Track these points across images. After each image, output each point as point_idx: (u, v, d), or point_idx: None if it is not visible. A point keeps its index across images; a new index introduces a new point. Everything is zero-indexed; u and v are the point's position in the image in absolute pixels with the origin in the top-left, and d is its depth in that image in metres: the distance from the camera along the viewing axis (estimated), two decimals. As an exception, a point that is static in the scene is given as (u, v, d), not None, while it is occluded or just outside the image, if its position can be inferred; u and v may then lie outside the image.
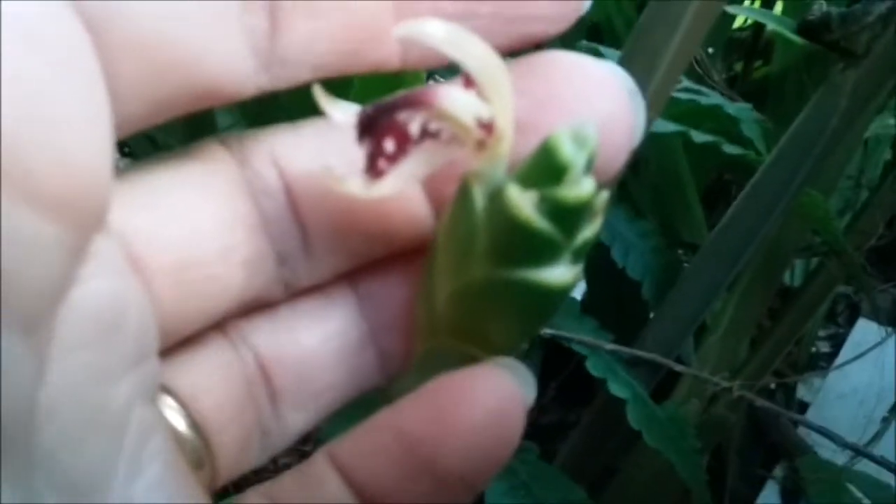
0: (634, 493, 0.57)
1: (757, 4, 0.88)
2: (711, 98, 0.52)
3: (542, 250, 0.15)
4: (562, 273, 0.16)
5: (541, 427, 0.77)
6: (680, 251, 0.60)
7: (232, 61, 0.16)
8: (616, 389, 0.48)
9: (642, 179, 0.65)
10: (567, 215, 0.15)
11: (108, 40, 0.14)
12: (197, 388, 0.18)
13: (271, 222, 0.18)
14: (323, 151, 0.18)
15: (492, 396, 0.16)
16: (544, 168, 0.15)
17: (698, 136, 0.50)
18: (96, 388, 0.14)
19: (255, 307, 0.18)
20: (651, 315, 0.55)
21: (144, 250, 0.16)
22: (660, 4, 0.40)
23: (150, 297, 0.16)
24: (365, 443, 0.17)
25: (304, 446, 0.71)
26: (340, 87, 0.17)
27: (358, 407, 0.20)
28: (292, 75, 0.17)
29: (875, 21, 0.41)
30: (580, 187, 0.15)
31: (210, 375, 0.18)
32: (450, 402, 0.16)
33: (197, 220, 0.17)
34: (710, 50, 0.81)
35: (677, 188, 0.64)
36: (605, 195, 0.15)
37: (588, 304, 0.66)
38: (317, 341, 0.19)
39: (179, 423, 0.18)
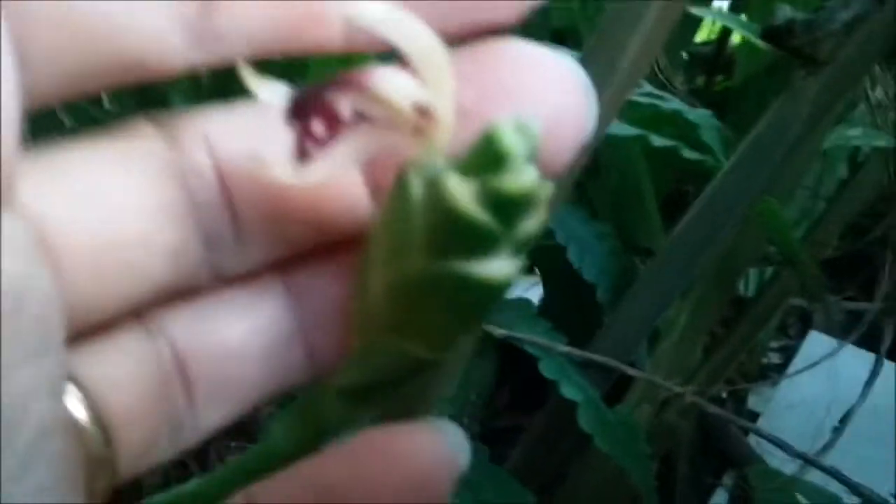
0: (584, 497, 0.57)
1: (719, 21, 0.89)
2: (672, 103, 0.52)
3: (481, 242, 0.15)
4: (501, 266, 0.15)
5: (494, 431, 0.76)
6: (636, 256, 0.60)
7: (157, 34, 0.15)
8: (568, 392, 0.47)
9: (601, 183, 0.65)
10: (507, 206, 0.14)
11: (21, 9, 0.14)
12: (105, 380, 0.17)
13: (200, 206, 0.17)
14: (259, 133, 0.17)
15: (418, 458, 0.16)
16: (484, 157, 0.14)
17: (658, 141, 0.50)
18: None
19: (177, 295, 0.17)
20: (605, 319, 0.54)
21: (56, 233, 0.15)
22: (621, 6, 0.40)
23: (60, 283, 0.15)
24: (284, 490, 0.16)
25: (252, 443, 0.70)
26: (295, 69, 0.16)
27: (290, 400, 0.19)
28: (228, 52, 0.16)
29: (839, 29, 0.41)
30: (521, 177, 0.14)
31: (121, 366, 0.17)
32: (375, 461, 0.16)
33: (115, 202, 0.16)
34: (678, 60, 0.81)
35: (636, 193, 0.64)
36: (548, 186, 0.15)
37: (543, 307, 0.66)
38: (240, 335, 0.18)
39: (81, 415, 0.16)
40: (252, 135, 0.17)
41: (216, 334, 0.18)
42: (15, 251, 0.14)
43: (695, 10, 0.50)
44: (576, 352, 0.49)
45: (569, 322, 0.54)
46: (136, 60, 0.15)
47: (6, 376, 0.14)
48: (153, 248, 0.16)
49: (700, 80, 0.94)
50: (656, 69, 0.60)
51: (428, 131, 0.15)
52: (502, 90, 0.17)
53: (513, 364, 0.68)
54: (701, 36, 0.96)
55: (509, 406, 0.78)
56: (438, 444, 0.16)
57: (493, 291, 0.16)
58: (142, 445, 0.18)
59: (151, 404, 0.17)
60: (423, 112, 0.15)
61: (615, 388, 0.55)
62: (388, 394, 0.18)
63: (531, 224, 0.15)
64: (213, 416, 0.18)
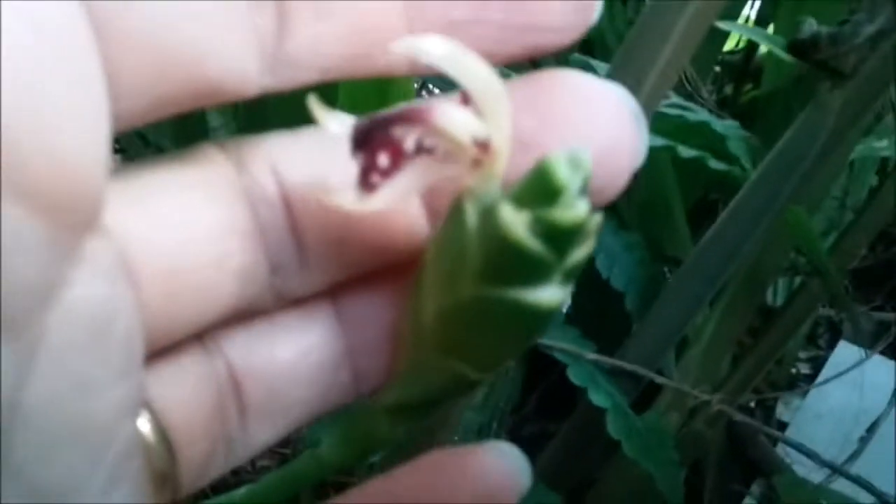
0: (612, 504, 0.57)
1: (750, 24, 0.89)
2: (699, 115, 0.52)
3: (534, 271, 0.15)
4: (552, 293, 0.16)
5: (521, 437, 0.77)
6: (664, 265, 0.61)
7: (237, 61, 0.15)
8: (597, 399, 0.48)
9: (630, 193, 0.65)
10: (560, 237, 0.15)
11: (111, 34, 0.14)
12: (170, 400, 0.17)
13: (267, 231, 0.17)
14: (323, 160, 0.17)
15: (487, 479, 0.16)
16: (539, 189, 0.15)
17: (685, 152, 0.50)
18: (80, 398, 0.14)
19: (240, 317, 0.18)
20: (633, 327, 0.55)
21: (135, 254, 0.16)
22: (650, 18, 0.41)
23: (138, 299, 0.16)
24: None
25: (283, 448, 0.71)
26: (325, 93, 0.17)
27: (340, 416, 0.20)
28: (298, 77, 0.16)
29: (863, 42, 0.42)
30: (574, 210, 0.15)
31: (183, 386, 0.18)
32: (445, 480, 0.16)
33: (192, 225, 0.16)
34: (707, 71, 0.81)
35: (664, 204, 0.64)
36: (598, 218, 0.15)
37: (572, 315, 0.67)
38: (292, 356, 0.19)
39: (147, 432, 0.17)
40: (316, 161, 0.17)
41: (270, 355, 0.18)
42: (103, 274, 0.14)
43: (722, 25, 0.50)
44: (604, 359, 0.50)
45: (597, 330, 0.54)
46: (215, 85, 0.15)
47: (100, 396, 0.14)
48: (225, 272, 0.17)
49: (728, 90, 0.95)
50: (684, 80, 0.60)
51: (485, 163, 0.15)
52: (560, 121, 0.17)
53: (541, 371, 0.69)
54: (729, 45, 0.96)
55: (537, 412, 0.79)
56: (503, 465, 0.17)
57: (542, 317, 0.16)
58: (202, 462, 0.18)
59: (210, 422, 0.18)
60: (483, 145, 0.15)
61: (643, 395, 0.55)
62: (431, 411, 0.19)
63: (580, 253, 0.16)
64: (263, 433, 0.19)
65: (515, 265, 0.15)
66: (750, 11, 0.91)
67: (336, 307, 0.19)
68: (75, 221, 0.13)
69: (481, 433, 0.61)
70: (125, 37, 0.14)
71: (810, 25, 0.42)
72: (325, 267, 0.18)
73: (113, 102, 0.14)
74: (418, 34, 0.16)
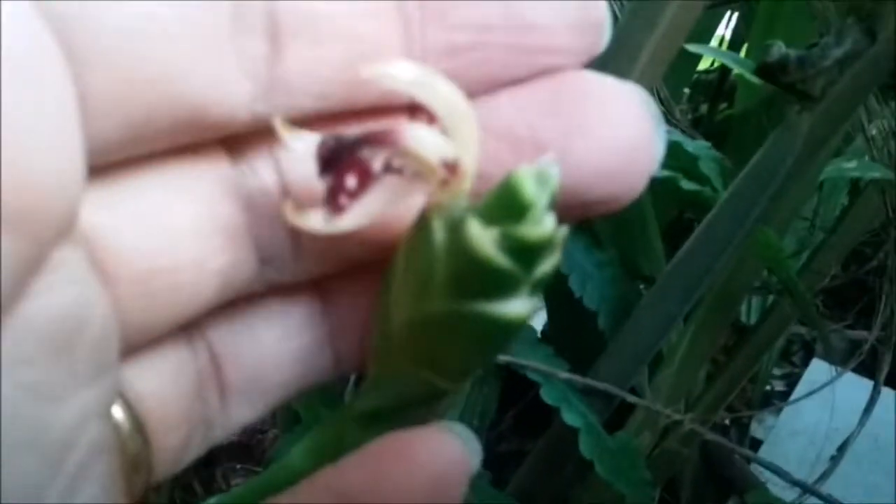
0: (585, 523, 0.57)
1: (724, 47, 0.90)
2: (672, 135, 0.53)
3: (501, 285, 0.15)
4: (520, 306, 0.16)
5: (497, 455, 0.77)
6: (638, 283, 0.61)
7: (221, 85, 0.15)
8: (569, 418, 0.48)
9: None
10: (527, 252, 0.15)
11: (79, 52, 0.13)
12: (146, 390, 0.17)
13: (261, 223, 0.17)
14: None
15: (435, 461, 0.16)
16: (506, 205, 0.15)
17: (658, 172, 0.50)
18: (38, 407, 0.14)
19: (225, 307, 0.18)
20: (607, 345, 0.55)
21: (109, 255, 0.15)
22: (618, 40, 0.41)
23: (113, 303, 0.15)
24: (305, 497, 0.17)
25: (258, 467, 0.71)
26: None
27: (312, 425, 0.20)
28: (295, 104, 0.16)
29: (831, 65, 0.42)
30: (542, 226, 0.15)
31: (162, 376, 0.18)
32: (391, 465, 0.16)
33: (172, 225, 0.16)
34: (680, 90, 0.82)
35: (639, 222, 0.64)
36: (564, 231, 0.15)
37: (547, 333, 0.67)
38: (275, 339, 0.19)
39: (120, 418, 0.17)
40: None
41: (252, 338, 0.18)
42: (71, 282, 0.14)
43: (692, 48, 0.51)
44: (577, 378, 0.50)
45: (572, 348, 0.54)
46: (197, 110, 0.15)
47: (61, 404, 0.14)
48: (207, 271, 0.16)
49: (704, 108, 0.95)
50: (657, 101, 0.61)
51: (453, 182, 0.15)
52: (583, 124, 0.17)
53: (517, 388, 0.69)
54: (704, 64, 0.97)
55: (513, 430, 0.79)
56: (453, 446, 0.17)
57: (510, 329, 0.16)
58: (178, 446, 0.18)
59: (188, 407, 0.18)
60: (451, 167, 0.15)
61: (617, 413, 0.55)
62: (402, 418, 0.19)
63: (547, 265, 0.16)
64: (242, 413, 0.19)
65: (483, 280, 0.15)
66: (725, 31, 0.92)
67: (319, 289, 0.19)
68: (41, 236, 0.13)
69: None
70: (92, 58, 0.14)
71: (779, 48, 0.43)
72: (320, 259, 0.18)
73: (88, 124, 0.14)
74: (418, 59, 0.16)
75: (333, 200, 0.15)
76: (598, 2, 0.17)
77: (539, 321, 0.69)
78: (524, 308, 0.16)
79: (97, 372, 0.15)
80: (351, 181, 0.15)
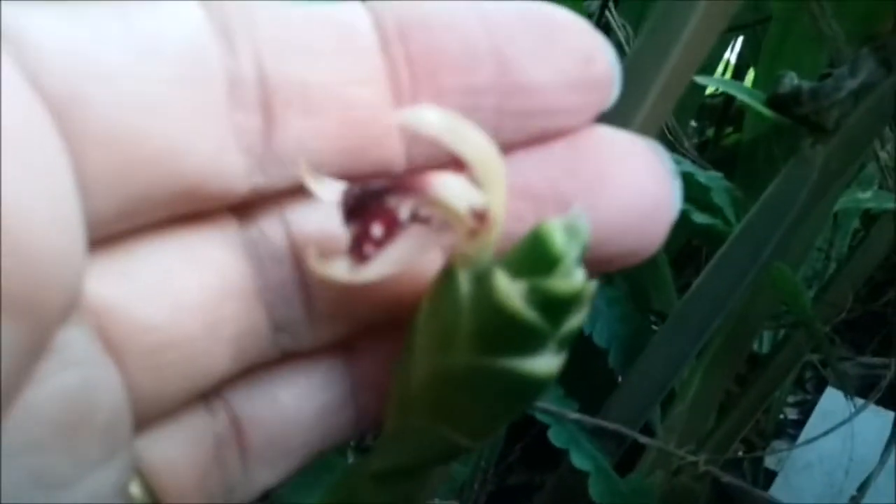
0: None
1: (727, 76, 0.90)
2: (682, 165, 0.52)
3: (528, 340, 0.15)
4: (546, 363, 0.15)
5: (506, 488, 0.76)
6: (649, 318, 0.60)
7: (218, 159, 0.15)
8: (579, 462, 0.47)
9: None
10: (556, 307, 0.15)
11: (75, 129, 0.13)
12: (161, 460, 0.17)
13: (273, 288, 0.17)
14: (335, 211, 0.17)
15: None
16: (535, 258, 0.15)
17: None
18: (46, 494, 0.13)
19: (241, 374, 0.17)
20: (618, 383, 0.54)
21: (118, 329, 0.15)
22: (629, 73, 0.40)
23: (123, 380, 0.15)
24: None
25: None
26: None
27: (321, 470, 0.19)
28: (290, 174, 0.16)
29: (846, 97, 0.41)
30: (571, 279, 0.15)
31: (177, 444, 0.17)
32: None
33: (181, 294, 0.16)
34: (687, 117, 0.81)
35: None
36: (593, 285, 0.15)
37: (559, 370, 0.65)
38: (296, 400, 0.18)
39: (136, 496, 0.16)
40: (332, 213, 0.17)
41: (272, 399, 0.18)
42: (77, 363, 0.14)
43: (699, 79, 0.50)
44: (587, 419, 0.48)
45: (583, 385, 0.53)
46: (195, 185, 0.15)
47: (70, 489, 0.14)
48: (219, 339, 0.16)
49: (709, 133, 0.95)
50: (665, 131, 0.60)
51: (482, 232, 0.15)
52: (602, 180, 0.17)
53: (525, 420, 0.68)
54: (710, 89, 0.96)
55: (521, 462, 0.78)
56: None
57: (535, 387, 0.16)
58: None
59: (206, 475, 0.17)
60: (480, 216, 0.15)
61: (630, 451, 0.54)
62: (418, 477, 0.18)
63: (575, 321, 0.15)
64: (264, 476, 0.18)
65: (510, 334, 0.15)
66: (730, 55, 0.91)
67: (341, 345, 0.18)
68: (43, 320, 0.12)
69: (464, 486, 0.59)
70: (88, 135, 0.13)
71: (790, 79, 0.42)
72: (334, 323, 0.17)
73: (84, 203, 0.13)
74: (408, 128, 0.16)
75: (358, 249, 0.15)
76: (603, 57, 0.17)
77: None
78: (551, 365, 0.15)
79: (108, 453, 0.14)
80: (377, 230, 0.15)
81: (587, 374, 0.57)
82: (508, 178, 0.16)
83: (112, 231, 0.15)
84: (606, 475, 0.47)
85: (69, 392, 0.13)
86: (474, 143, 0.15)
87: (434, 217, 0.15)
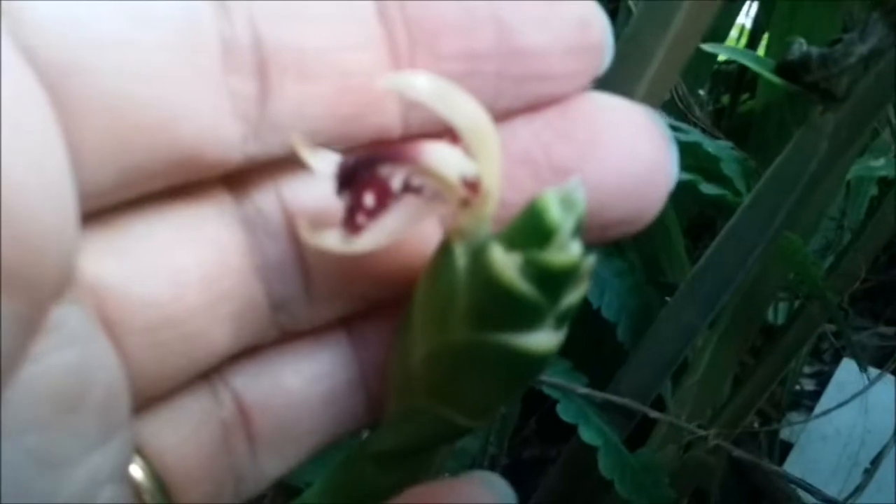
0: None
1: (742, 42, 0.88)
2: (691, 135, 0.51)
3: (525, 315, 0.15)
4: (545, 338, 0.15)
5: (521, 461, 0.76)
6: (659, 290, 0.59)
7: (213, 127, 0.15)
8: (588, 436, 0.46)
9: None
10: (552, 280, 0.14)
11: (72, 99, 0.13)
12: (165, 445, 0.16)
13: (270, 265, 0.16)
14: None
15: None
16: (531, 230, 0.14)
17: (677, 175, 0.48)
18: (44, 474, 0.13)
19: (242, 354, 0.17)
20: (628, 357, 0.53)
21: (116, 306, 0.15)
22: (633, 40, 0.39)
23: (122, 359, 0.15)
24: None
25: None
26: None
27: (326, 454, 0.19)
28: (285, 142, 0.15)
29: (856, 63, 0.40)
30: (567, 252, 0.14)
31: (181, 429, 0.17)
32: None
33: (178, 270, 0.15)
34: (700, 85, 0.80)
35: (660, 224, 0.63)
36: (592, 259, 0.15)
37: (566, 344, 0.65)
38: (303, 384, 0.18)
39: (142, 479, 0.16)
40: (327, 188, 0.16)
41: (279, 384, 0.18)
42: (73, 341, 0.14)
43: (707, 47, 0.49)
44: (596, 393, 0.48)
45: (592, 359, 0.53)
46: (191, 153, 0.14)
47: (69, 470, 0.13)
48: (219, 317, 0.16)
49: (725, 100, 0.93)
50: (676, 98, 0.59)
51: (474, 203, 0.15)
52: (597, 146, 0.17)
53: (539, 393, 0.68)
54: (724, 55, 0.95)
55: (536, 435, 0.78)
56: (489, 496, 0.17)
57: (534, 364, 0.16)
58: (204, 501, 0.17)
59: (212, 461, 0.17)
60: (472, 185, 0.15)
61: (641, 424, 0.54)
62: (422, 459, 0.18)
63: (574, 296, 0.15)
64: (275, 464, 0.18)
65: (506, 309, 0.15)
66: (746, 19, 0.90)
67: (348, 329, 0.18)
68: (38, 296, 0.12)
69: (475, 461, 0.59)
70: (84, 105, 0.13)
71: (800, 46, 0.41)
72: (334, 300, 0.17)
73: (78, 173, 0.13)
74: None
75: (351, 219, 0.15)
76: (598, 22, 0.17)
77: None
78: (549, 341, 0.15)
79: (106, 434, 0.14)
80: (369, 199, 0.15)
81: (597, 346, 0.57)
82: (505, 144, 0.15)
83: (109, 202, 0.14)
84: (616, 450, 0.46)
85: (66, 370, 0.13)
86: (465, 110, 0.15)
87: (426, 187, 0.15)
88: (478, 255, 0.15)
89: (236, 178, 0.16)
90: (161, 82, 0.14)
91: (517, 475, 0.68)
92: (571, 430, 0.57)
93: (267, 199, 0.16)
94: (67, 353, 0.13)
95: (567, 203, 0.14)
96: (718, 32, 0.74)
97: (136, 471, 0.16)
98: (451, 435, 0.18)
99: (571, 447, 0.55)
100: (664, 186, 0.17)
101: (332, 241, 0.15)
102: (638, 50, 0.39)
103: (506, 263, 0.14)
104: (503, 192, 0.15)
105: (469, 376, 0.16)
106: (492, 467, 0.64)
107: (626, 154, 0.17)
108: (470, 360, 0.16)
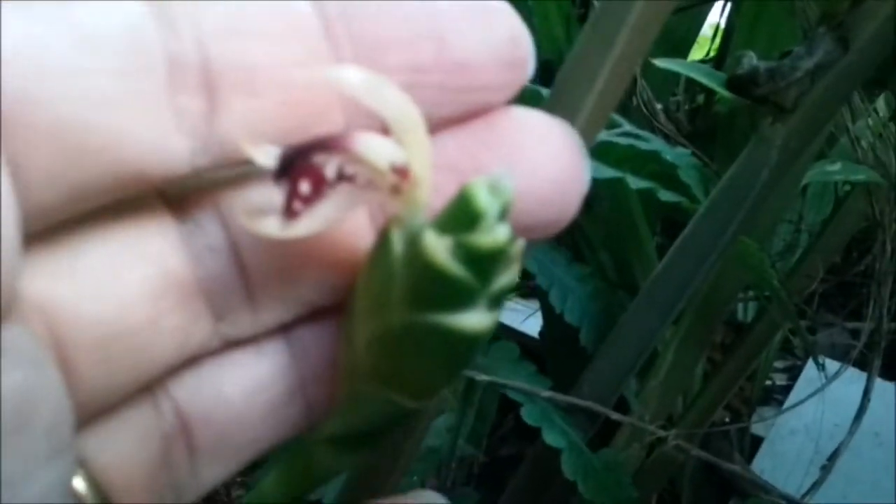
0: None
1: (717, 42, 0.88)
2: (652, 143, 0.52)
3: (458, 296, 0.16)
4: (478, 318, 0.16)
5: (498, 459, 0.76)
6: (623, 293, 0.60)
7: (160, 144, 0.15)
8: (551, 439, 0.47)
9: (595, 216, 0.65)
10: (481, 261, 0.15)
11: (14, 127, 0.13)
12: (109, 460, 0.17)
13: (212, 279, 0.17)
14: (272, 198, 0.17)
15: None
16: (460, 215, 0.15)
17: (635, 182, 0.50)
18: None
19: (184, 364, 0.18)
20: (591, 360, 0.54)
21: (63, 327, 0.15)
22: (584, 44, 0.39)
23: (68, 376, 0.15)
24: None
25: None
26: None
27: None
28: (235, 156, 0.16)
29: (803, 76, 0.41)
30: (494, 234, 0.15)
31: (124, 443, 0.17)
32: None
33: (122, 288, 0.16)
34: (670, 87, 0.81)
35: (630, 224, 0.64)
36: (521, 243, 0.16)
37: (542, 342, 0.66)
38: (244, 395, 0.18)
39: (84, 492, 0.17)
40: (265, 200, 0.17)
41: (220, 395, 0.18)
42: (20, 363, 0.14)
43: (659, 62, 0.49)
44: (559, 396, 0.49)
45: (563, 359, 0.54)
46: (138, 169, 0.15)
47: (15, 490, 0.14)
48: (162, 331, 0.17)
49: (700, 99, 0.94)
50: (642, 105, 0.60)
51: (405, 190, 0.16)
52: (519, 156, 0.18)
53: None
54: (699, 54, 0.96)
55: (514, 432, 0.78)
56: None
57: (471, 342, 0.16)
58: None
59: (154, 474, 0.18)
60: (401, 172, 0.15)
61: (606, 426, 0.55)
62: (374, 441, 0.19)
63: (505, 279, 0.16)
64: (215, 472, 0.19)
65: (440, 290, 0.16)
66: (720, 20, 0.90)
67: (287, 338, 0.19)
68: None
69: (442, 462, 0.60)
70: (29, 131, 0.14)
71: (749, 60, 0.42)
72: (275, 307, 0.18)
73: (23, 194, 0.14)
74: (351, 106, 0.16)
75: (289, 206, 0.16)
76: (525, 38, 0.18)
77: (535, 324, 0.69)
78: (482, 321, 0.16)
79: (52, 453, 0.15)
80: (305, 187, 0.16)
81: (566, 349, 0.58)
82: (434, 154, 0.16)
83: (55, 219, 0.15)
84: (579, 451, 0.48)
85: (13, 392, 0.14)
86: (393, 102, 0.15)
87: (359, 175, 0.16)
88: (413, 241, 0.16)
89: (177, 197, 0.17)
90: (106, 107, 0.14)
91: (494, 473, 0.69)
92: (543, 429, 0.58)
93: (207, 217, 0.17)
94: (14, 374, 0.14)
95: (494, 189, 0.15)
96: (687, 36, 0.75)
97: (80, 483, 0.16)
98: (399, 416, 0.18)
99: (537, 449, 0.56)
100: (578, 193, 0.18)
101: (271, 227, 0.16)
102: (581, 73, 0.40)
103: (437, 246, 0.15)
104: (432, 201, 0.16)
105: (410, 358, 0.17)
106: (464, 466, 0.65)
107: (545, 163, 0.18)
108: (409, 342, 0.16)
